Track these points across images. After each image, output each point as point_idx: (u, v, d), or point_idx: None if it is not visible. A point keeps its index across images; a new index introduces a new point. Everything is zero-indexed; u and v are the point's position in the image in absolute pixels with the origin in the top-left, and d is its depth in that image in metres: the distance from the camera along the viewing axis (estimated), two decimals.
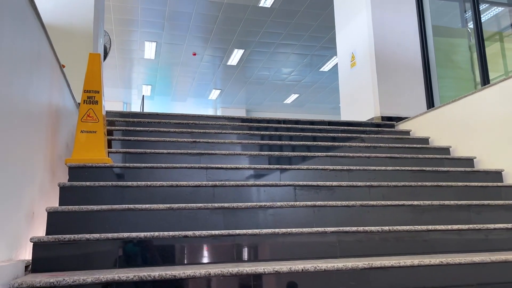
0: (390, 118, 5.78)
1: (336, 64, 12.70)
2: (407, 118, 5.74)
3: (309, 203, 2.76)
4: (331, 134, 4.60)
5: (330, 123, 5.26)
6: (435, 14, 6.47)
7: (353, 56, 6.50)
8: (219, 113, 17.54)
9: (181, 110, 17.52)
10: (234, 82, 14.55)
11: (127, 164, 3.10)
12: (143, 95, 12.62)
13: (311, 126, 4.87)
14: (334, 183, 3.16)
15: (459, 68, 6.81)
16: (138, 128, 4.08)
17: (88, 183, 2.72)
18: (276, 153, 3.79)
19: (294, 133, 4.47)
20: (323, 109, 17.88)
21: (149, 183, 2.83)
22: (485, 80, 5.27)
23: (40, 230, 2.45)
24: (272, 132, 4.42)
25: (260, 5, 9.51)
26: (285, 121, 5.07)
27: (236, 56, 12.23)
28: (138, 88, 15.02)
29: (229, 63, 12.77)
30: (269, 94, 15.84)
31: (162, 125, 4.42)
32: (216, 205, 2.61)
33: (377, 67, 5.96)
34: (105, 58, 6.99)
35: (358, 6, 6.39)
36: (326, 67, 13.18)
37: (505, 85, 4.02)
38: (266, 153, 3.76)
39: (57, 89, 3.01)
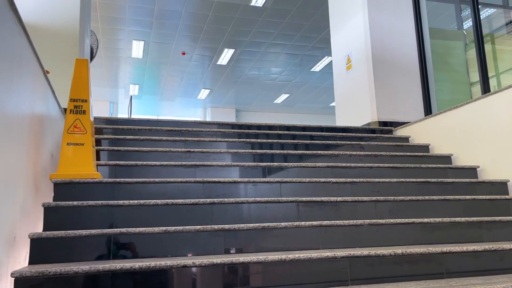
0: (387, 123, 5.64)
1: (328, 64, 12.59)
2: (404, 123, 5.60)
3: (315, 223, 2.57)
4: (330, 142, 4.43)
5: (326, 129, 5.09)
6: (430, 16, 6.35)
7: (349, 59, 6.34)
8: (208, 113, 17.29)
9: (170, 109, 17.24)
10: (223, 82, 14.32)
11: (117, 180, 2.87)
12: (131, 96, 12.33)
13: (309, 133, 4.70)
14: (339, 199, 2.99)
15: (454, 71, 6.71)
16: (128, 137, 3.85)
17: (75, 203, 2.50)
18: (275, 164, 3.60)
19: (294, 141, 4.29)
20: (313, 109, 17.76)
21: (141, 201, 2.61)
22: (485, 83, 5.16)
23: (22, 258, 2.22)
24: (271, 140, 4.23)
25: (252, 4, 9.30)
26: (288, 128, 4.89)
27: (226, 55, 12.00)
28: (125, 87, 14.69)
29: (219, 62, 12.53)
30: (259, 94, 15.65)
31: (153, 132, 4.20)
32: (216, 227, 2.41)
33: (374, 70, 5.81)
34: (91, 59, 6.71)
35: (354, 7, 6.23)
36: (317, 67, 13.04)
37: (510, 92, 3.89)
38: (264, 164, 3.57)
39: (40, 96, 2.77)
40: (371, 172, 3.78)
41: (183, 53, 11.90)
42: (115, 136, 3.84)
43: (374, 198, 3.08)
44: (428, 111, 5.86)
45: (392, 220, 2.75)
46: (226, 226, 2.43)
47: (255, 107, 17.35)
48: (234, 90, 15.25)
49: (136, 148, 3.57)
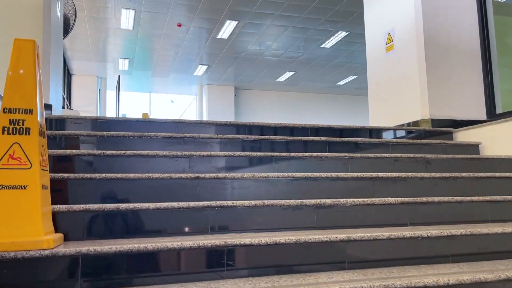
0: (443, 123, 4.46)
1: (341, 40, 11.28)
2: (464, 122, 4.44)
3: None
4: (391, 156, 3.25)
5: (374, 131, 3.91)
6: None
7: (389, 37, 5.09)
8: (204, 91, 15.96)
9: (163, 86, 15.87)
10: (223, 58, 12.94)
11: (89, 250, 1.68)
12: (119, 76, 10.93)
13: (354, 139, 3.50)
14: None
15: None
16: (108, 152, 2.63)
17: None
18: (327, 201, 2.42)
19: (333, 154, 3.11)
20: (319, 88, 16.50)
21: None
22: None
23: None
24: (310, 154, 3.04)
25: None
26: (317, 130, 3.69)
27: (228, 28, 10.61)
28: (114, 62, 13.27)
29: (219, 36, 11.14)
30: (261, 71, 14.31)
31: (145, 141, 2.99)
32: None
33: (426, 52, 4.58)
34: (68, 32, 5.38)
35: None
36: (329, 43, 11.70)
37: None
38: (313, 201, 2.39)
39: None
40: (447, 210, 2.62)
41: (179, 25, 10.49)
42: (91, 152, 2.62)
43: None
44: (491, 105, 4.67)
45: None
46: None
47: (256, 85, 16.03)
48: (234, 67, 13.89)
49: (119, 175, 2.36)
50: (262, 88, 16.44)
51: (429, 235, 2.14)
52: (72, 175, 2.31)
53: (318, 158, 3.08)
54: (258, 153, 2.97)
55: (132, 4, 9.41)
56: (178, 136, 3.09)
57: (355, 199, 2.42)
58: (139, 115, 16.62)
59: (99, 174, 2.34)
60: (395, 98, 4.95)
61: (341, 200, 2.39)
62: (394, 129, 4.08)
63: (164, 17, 10.06)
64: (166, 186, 2.45)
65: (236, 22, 10.30)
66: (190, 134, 3.13)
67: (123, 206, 2.07)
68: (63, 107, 9.78)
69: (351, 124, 17.56)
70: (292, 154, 3.02)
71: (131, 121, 3.32)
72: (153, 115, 16.63)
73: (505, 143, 3.75)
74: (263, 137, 3.32)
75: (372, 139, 3.56)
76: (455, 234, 2.18)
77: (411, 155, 3.29)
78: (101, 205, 2.05)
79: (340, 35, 11.11)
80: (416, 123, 4.54)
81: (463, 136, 4.18)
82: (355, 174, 2.78)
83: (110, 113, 15.09)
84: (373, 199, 2.45)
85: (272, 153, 2.98)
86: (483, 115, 4.68)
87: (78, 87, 14.44)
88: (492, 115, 4.64)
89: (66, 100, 13.23)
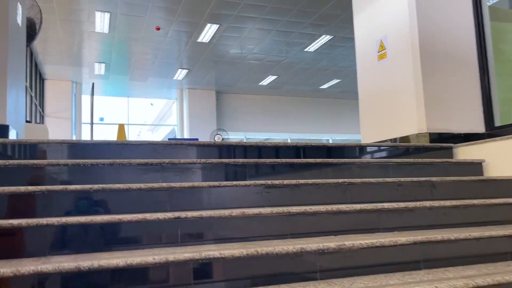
0: (439, 136, 4.18)
1: (324, 43, 11.03)
2: (463, 136, 4.17)
3: None
4: (389, 181, 2.93)
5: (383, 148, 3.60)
6: None
7: (382, 45, 4.79)
8: (185, 95, 15.49)
9: (141, 91, 15.35)
10: (204, 62, 12.53)
11: None
12: (93, 84, 10.36)
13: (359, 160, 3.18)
14: None
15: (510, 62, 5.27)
16: (72, 188, 2.22)
17: None
18: (330, 245, 2.08)
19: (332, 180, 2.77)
20: (302, 92, 16.24)
21: None
22: None
23: None
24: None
25: None
26: (313, 148, 3.35)
27: (208, 32, 10.22)
28: (89, 66, 12.70)
29: (199, 40, 10.73)
30: (243, 75, 13.95)
31: (116, 170, 2.60)
32: None
33: (422, 61, 4.29)
34: (33, 38, 4.92)
35: None
36: (313, 47, 11.42)
37: None
38: (314, 246, 2.04)
39: None
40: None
41: (158, 28, 10.04)
42: (48, 187, 2.21)
43: None
44: (489, 117, 4.42)
45: None
46: None
47: (238, 89, 15.66)
48: (215, 71, 13.49)
49: (82, 219, 1.96)
50: (245, 92, 16.09)
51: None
52: (23, 221, 1.90)
53: (315, 186, 2.73)
54: (247, 182, 2.61)
55: (107, 7, 8.92)
56: (155, 162, 2.70)
57: (362, 242, 2.08)
58: (116, 120, 16.05)
59: (57, 218, 1.94)
60: (388, 110, 4.65)
61: (347, 243, 2.05)
62: (391, 146, 3.78)
63: (141, 20, 9.60)
64: (139, 230, 2.07)
65: (218, 25, 9.92)
66: (169, 159, 2.74)
67: (84, 265, 1.68)
68: (29, 121, 9.16)
69: (341, 136, 17.32)
70: (286, 182, 2.66)
71: (102, 144, 2.92)
72: (132, 120, 16.09)
73: (509, 161, 3.48)
74: (249, 160, 2.95)
75: (371, 160, 3.24)
76: (482, 285, 1.86)
77: (415, 179, 2.97)
78: (57, 265, 1.65)
79: (324, 38, 10.84)
80: (412, 137, 4.25)
81: (463, 152, 3.90)
82: (358, 207, 2.45)
83: (86, 118, 14.46)
84: (382, 240, 2.12)
85: (263, 182, 2.63)
86: (481, 128, 4.42)
87: (52, 92, 13.81)
88: (491, 127, 4.39)
89: (38, 106, 12.59)
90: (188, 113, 15.40)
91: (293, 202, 2.66)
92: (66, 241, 1.95)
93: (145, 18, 9.51)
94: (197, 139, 14.05)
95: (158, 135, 19.06)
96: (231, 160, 2.91)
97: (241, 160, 2.93)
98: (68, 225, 1.95)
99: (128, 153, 2.95)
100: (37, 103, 12.37)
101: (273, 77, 14.25)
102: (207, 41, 10.84)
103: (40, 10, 4.76)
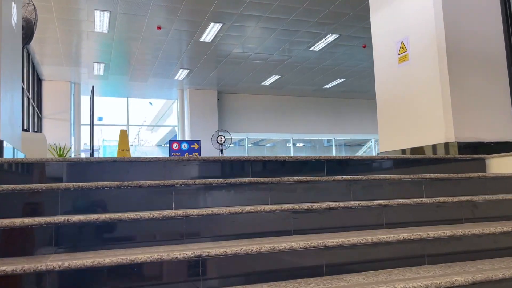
0: (468, 145, 3.89)
1: (331, 43, 10.71)
2: (491, 144, 3.88)
3: None
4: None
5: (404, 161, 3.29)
6: None
7: (403, 47, 4.49)
8: (186, 95, 15.17)
9: (141, 91, 15.02)
10: (206, 61, 12.20)
11: None
12: (93, 87, 9.99)
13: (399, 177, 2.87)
14: None
15: None
16: (75, 219, 1.92)
17: None
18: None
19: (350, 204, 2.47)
20: (305, 92, 15.92)
21: None
22: None
23: None
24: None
25: None
26: (335, 162, 3.05)
27: (211, 31, 9.89)
28: (88, 66, 12.36)
29: (202, 39, 10.40)
30: (246, 74, 13.62)
31: (124, 193, 2.29)
32: None
33: (448, 64, 3.99)
34: (29, 40, 4.60)
35: None
36: (318, 46, 11.10)
37: None
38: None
39: None
40: None
41: (159, 28, 9.71)
42: (47, 218, 1.90)
43: None
44: None
45: None
46: None
47: (240, 89, 15.33)
48: (217, 71, 13.16)
49: (88, 263, 1.66)
50: (247, 92, 15.77)
51: None
52: (18, 267, 1.59)
53: (346, 209, 2.43)
54: (272, 207, 2.31)
55: (107, 6, 8.59)
56: (167, 184, 2.40)
57: (415, 285, 1.77)
58: (116, 121, 15.73)
59: (59, 263, 1.63)
60: (410, 116, 4.35)
61: (398, 287, 1.75)
62: (421, 159, 3.47)
63: (142, 19, 9.27)
64: (157, 270, 1.76)
65: (221, 24, 9.59)
66: (183, 180, 2.44)
67: None
68: (26, 129, 8.79)
69: (344, 136, 16.92)
70: (315, 205, 2.36)
71: (106, 162, 2.61)
72: (131, 120, 15.77)
73: None
74: (271, 179, 2.65)
75: (402, 176, 2.94)
76: None
77: (456, 199, 2.68)
78: None
79: (330, 37, 10.52)
80: (439, 147, 3.96)
81: (498, 164, 3.60)
82: (400, 236, 2.15)
83: (85, 119, 14.10)
84: (436, 281, 1.81)
85: (289, 206, 2.32)
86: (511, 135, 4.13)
87: (50, 93, 13.46)
88: None
89: (36, 108, 12.26)
90: (189, 114, 15.08)
91: (324, 227, 2.36)
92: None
93: (146, 18, 9.18)
94: (199, 141, 13.74)
95: (158, 135, 18.74)
96: (252, 180, 2.60)
97: (262, 179, 2.62)
98: (71, 269, 1.65)
99: (135, 171, 2.64)
100: (35, 105, 12.03)
101: (276, 77, 13.93)
102: (210, 41, 10.50)
103: (35, 9, 4.44)
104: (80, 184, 2.23)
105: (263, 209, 2.27)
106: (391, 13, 4.67)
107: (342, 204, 2.43)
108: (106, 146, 17.43)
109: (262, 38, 10.52)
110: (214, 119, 15.25)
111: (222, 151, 13.54)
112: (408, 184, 2.95)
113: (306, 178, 2.73)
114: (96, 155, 18.28)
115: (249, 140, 17.21)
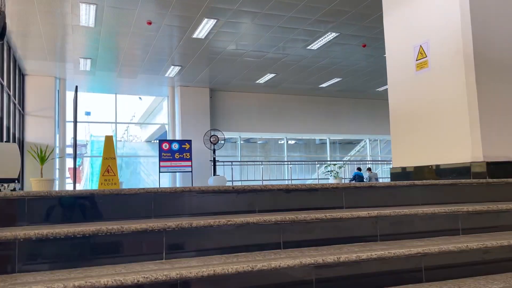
0: (498, 166, 3.45)
1: (329, 41, 10.25)
2: None
3: None
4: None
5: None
6: None
7: (421, 52, 4.03)
8: (177, 93, 14.59)
9: (130, 88, 14.42)
10: (198, 58, 11.64)
11: None
12: (76, 87, 9.36)
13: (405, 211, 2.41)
14: None
15: None
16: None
17: None
18: None
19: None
20: (299, 90, 15.45)
21: None
22: None
23: None
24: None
25: None
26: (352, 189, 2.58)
27: (205, 27, 9.34)
28: (74, 61, 11.72)
29: (195, 35, 9.85)
30: (240, 72, 13.10)
31: (99, 243, 1.80)
32: None
33: (476, 73, 3.55)
34: (2, 34, 4.05)
35: None
36: (316, 45, 10.62)
37: None
38: None
39: None
40: None
41: (149, 23, 9.13)
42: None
43: None
44: None
45: None
46: None
47: (233, 87, 14.80)
48: (210, 68, 12.61)
49: None
50: (240, 90, 15.24)
51: None
52: None
53: (381, 261, 1.97)
54: (289, 262, 1.83)
55: None
56: (156, 228, 1.90)
57: None
58: (104, 117, 15.11)
59: None
60: (430, 130, 3.90)
61: None
62: (451, 184, 3.02)
63: (131, 13, 8.69)
64: None
65: (215, 20, 9.05)
66: (178, 222, 1.95)
67: None
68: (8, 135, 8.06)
69: (339, 136, 16.39)
70: (342, 258, 1.89)
71: (100, 196, 2.10)
72: (120, 117, 15.15)
73: None
74: (285, 217, 2.17)
75: (436, 210, 2.48)
76: None
77: (505, 243, 2.23)
78: None
79: (329, 36, 10.05)
80: (465, 167, 3.51)
81: None
82: None
83: (70, 116, 13.44)
84: None
85: (311, 260, 1.85)
86: None
87: (33, 88, 12.78)
88: None
89: (17, 105, 11.60)
90: (180, 112, 14.51)
91: (355, 284, 1.89)
92: None
93: (136, 12, 8.60)
94: (190, 141, 13.20)
95: (147, 131, 18.18)
96: (261, 219, 2.12)
97: (273, 218, 2.14)
98: None
99: (124, 207, 2.14)
100: (16, 102, 11.38)
101: (271, 75, 13.42)
102: (203, 37, 9.96)
103: (3, 8, 3.87)
104: (66, 230, 1.73)
105: (280, 266, 1.79)
106: (408, 14, 4.21)
107: (374, 254, 1.96)
108: (94, 141, 16.85)
109: (258, 35, 10.01)
110: (206, 118, 14.72)
111: (214, 151, 13.02)
112: (443, 219, 2.50)
113: (326, 216, 2.26)
114: (83, 150, 17.63)
115: (241, 137, 16.72)
